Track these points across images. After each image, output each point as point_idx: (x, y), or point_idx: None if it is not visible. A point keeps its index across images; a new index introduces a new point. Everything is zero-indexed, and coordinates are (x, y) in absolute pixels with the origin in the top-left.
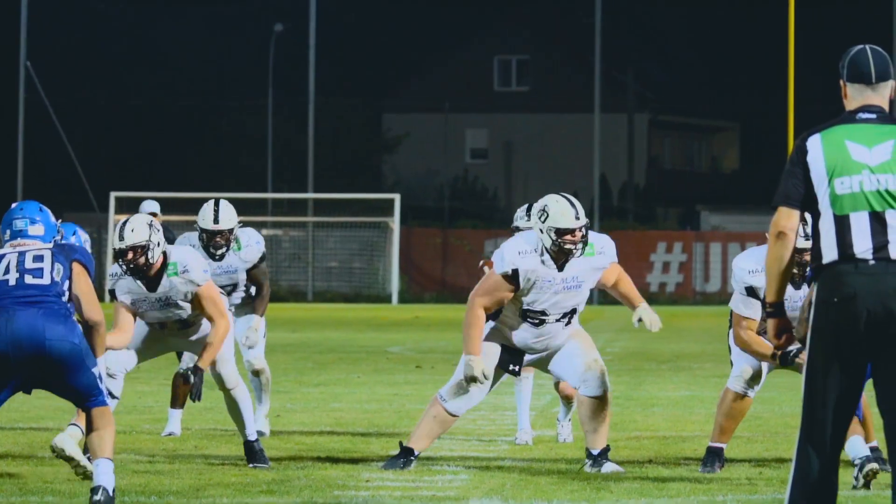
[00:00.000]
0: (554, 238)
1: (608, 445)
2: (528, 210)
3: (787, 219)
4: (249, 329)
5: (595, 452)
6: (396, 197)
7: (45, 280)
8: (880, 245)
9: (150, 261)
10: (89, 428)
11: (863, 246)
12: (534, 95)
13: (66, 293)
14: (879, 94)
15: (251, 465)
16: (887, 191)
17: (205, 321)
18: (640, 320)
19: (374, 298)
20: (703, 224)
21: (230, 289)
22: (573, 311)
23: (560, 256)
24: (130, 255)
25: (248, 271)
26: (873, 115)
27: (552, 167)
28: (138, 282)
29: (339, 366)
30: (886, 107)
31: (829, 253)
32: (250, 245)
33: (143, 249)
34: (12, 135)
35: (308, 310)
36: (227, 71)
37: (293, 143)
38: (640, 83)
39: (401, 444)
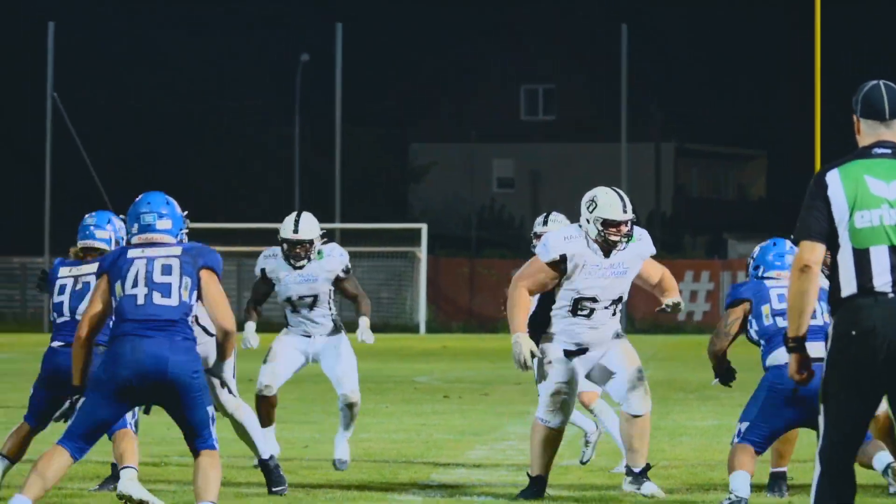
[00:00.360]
0: (600, 228)
1: (648, 464)
2: (546, 218)
3: (811, 252)
4: (361, 329)
5: (636, 471)
6: (423, 226)
7: (173, 301)
8: None
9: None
10: (196, 469)
11: (882, 279)
12: (560, 124)
13: (193, 306)
14: (893, 130)
15: (270, 491)
16: None
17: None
18: (669, 305)
19: (402, 328)
20: (730, 252)
21: (310, 300)
22: (619, 300)
23: (604, 247)
24: (299, 249)
25: (338, 286)
26: (888, 151)
27: (579, 196)
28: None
29: (367, 396)
30: None
31: (848, 286)
32: (332, 255)
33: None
34: (40, 163)
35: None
36: (255, 101)
37: (320, 173)
38: (666, 112)
39: (528, 474)
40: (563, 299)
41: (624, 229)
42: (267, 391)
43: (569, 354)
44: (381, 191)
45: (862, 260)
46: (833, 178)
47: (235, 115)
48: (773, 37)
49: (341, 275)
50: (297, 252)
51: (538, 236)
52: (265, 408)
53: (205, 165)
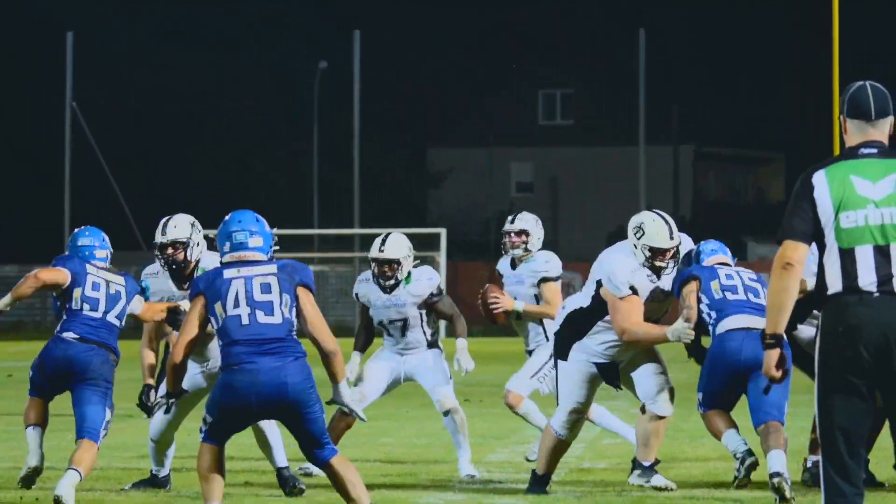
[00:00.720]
0: (647, 255)
1: (658, 459)
2: (515, 217)
3: (794, 251)
4: (459, 353)
5: (646, 465)
6: (442, 231)
7: (277, 318)
8: (884, 278)
9: (188, 258)
10: (338, 480)
11: (867, 279)
12: (578, 129)
13: (295, 323)
14: (879, 130)
15: (286, 493)
16: (892, 224)
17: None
18: None
19: None
20: (749, 254)
21: (401, 324)
22: (659, 318)
23: (651, 271)
24: (170, 251)
25: (431, 308)
26: (874, 150)
27: (598, 200)
28: (170, 281)
29: (388, 400)
30: (886, 142)
31: (835, 284)
32: (420, 280)
33: (184, 246)
34: (59, 175)
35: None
36: (273, 108)
37: (339, 179)
38: (684, 116)
39: (534, 471)
40: (603, 325)
41: (669, 255)
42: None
43: (598, 367)
44: (400, 196)
45: (847, 259)
46: (819, 179)
47: (254, 123)
48: (789, 40)
49: (433, 298)
50: (384, 271)
51: (507, 234)
52: (340, 428)
53: (224, 174)
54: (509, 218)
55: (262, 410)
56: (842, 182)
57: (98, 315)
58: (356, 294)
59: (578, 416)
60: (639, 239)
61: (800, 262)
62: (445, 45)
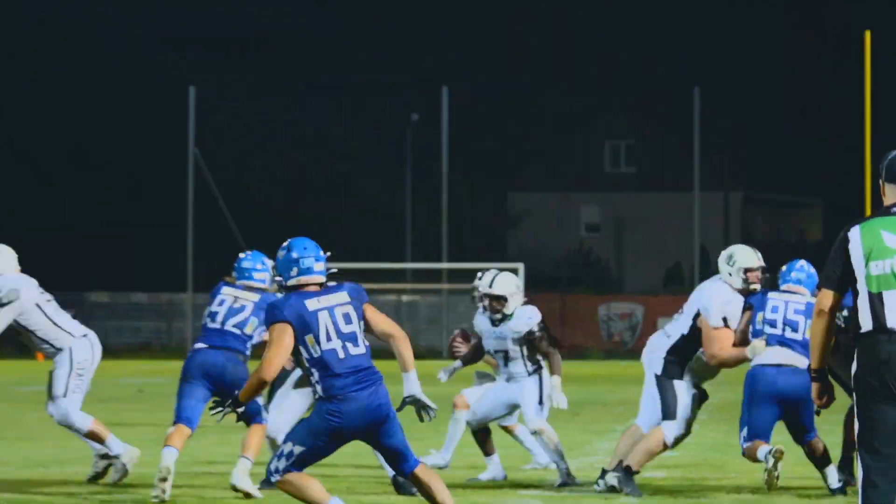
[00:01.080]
0: (743, 276)
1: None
2: (493, 280)
3: (826, 299)
4: (553, 390)
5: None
6: (520, 266)
7: (362, 349)
8: None
9: None
10: (425, 487)
11: (894, 319)
12: (640, 176)
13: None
14: None
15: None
16: None
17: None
18: None
19: None
20: None
21: (503, 355)
22: None
23: (744, 293)
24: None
25: (531, 344)
26: None
27: (658, 239)
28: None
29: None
30: None
31: (867, 324)
32: (520, 318)
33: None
34: (183, 211)
35: (442, 365)
36: (371, 155)
37: (429, 218)
38: (734, 165)
39: (627, 466)
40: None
41: (759, 274)
42: (471, 426)
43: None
44: (483, 234)
45: (876, 302)
46: (854, 233)
47: (356, 169)
48: (823, 102)
49: (531, 335)
50: (493, 306)
51: (484, 297)
52: (479, 439)
53: (328, 213)
54: (485, 278)
55: (362, 433)
56: (873, 235)
57: (217, 326)
58: (475, 324)
59: (688, 431)
60: (732, 266)
61: (832, 310)
62: (524, 101)
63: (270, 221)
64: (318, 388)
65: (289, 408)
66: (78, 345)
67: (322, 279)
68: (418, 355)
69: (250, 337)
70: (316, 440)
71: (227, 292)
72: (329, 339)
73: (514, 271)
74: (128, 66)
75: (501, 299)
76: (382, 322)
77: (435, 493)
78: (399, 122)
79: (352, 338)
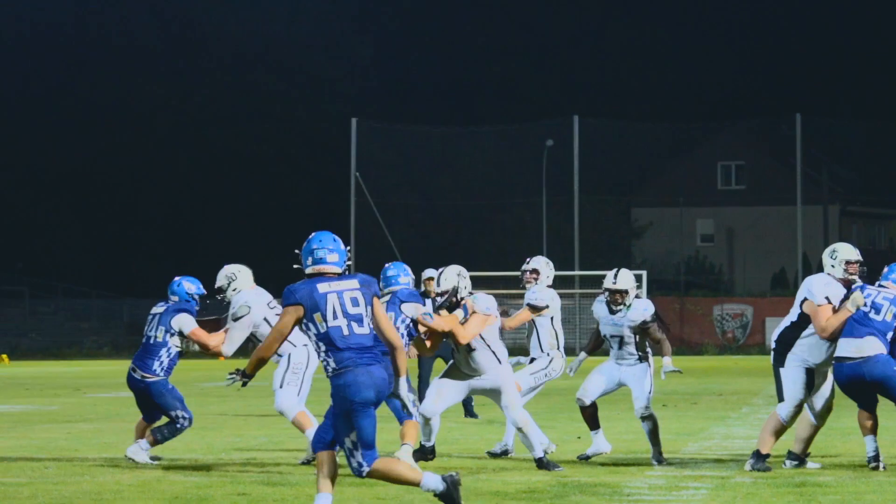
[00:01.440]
0: (844, 268)
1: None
2: (530, 260)
3: None
4: (665, 365)
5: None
6: (644, 273)
7: (366, 329)
8: None
9: (456, 300)
10: (388, 477)
11: None
12: (749, 192)
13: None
14: None
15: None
16: None
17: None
18: None
19: None
20: None
21: (618, 340)
22: None
23: (844, 285)
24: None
25: (645, 331)
26: None
27: (764, 248)
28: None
29: (602, 406)
30: None
31: None
32: (637, 308)
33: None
34: (346, 228)
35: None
36: (510, 176)
37: (562, 231)
38: (832, 180)
39: (757, 451)
40: (812, 328)
41: (858, 266)
42: (579, 403)
43: (806, 371)
44: (610, 244)
45: None
46: None
47: (498, 187)
48: None
49: (645, 324)
50: (615, 298)
51: (523, 272)
52: (584, 415)
53: (475, 225)
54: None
55: (374, 402)
56: None
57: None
58: (593, 309)
59: (799, 409)
60: (835, 259)
61: None
62: (645, 125)
63: (425, 234)
64: (328, 364)
65: (445, 394)
66: (297, 352)
67: (338, 269)
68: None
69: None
70: (353, 420)
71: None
72: (335, 317)
73: (639, 277)
74: (298, 102)
75: (623, 293)
76: (385, 324)
77: (398, 476)
78: (536, 146)
79: (357, 318)
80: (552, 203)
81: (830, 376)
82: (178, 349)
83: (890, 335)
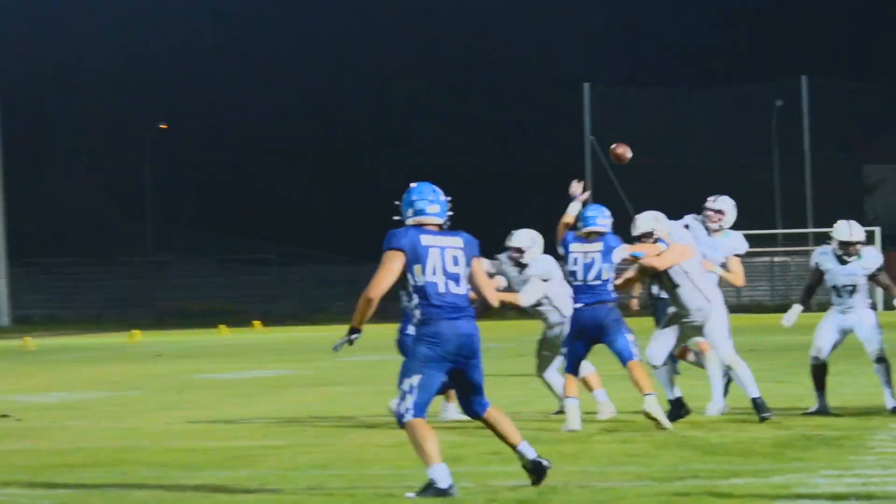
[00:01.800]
0: None
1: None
2: (716, 199)
3: None
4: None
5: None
6: (877, 229)
7: (462, 290)
8: None
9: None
10: (495, 423)
11: None
12: None
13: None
14: None
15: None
16: None
17: None
18: None
19: None
20: None
21: (851, 289)
22: None
23: None
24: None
25: (874, 279)
26: None
27: None
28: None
29: (753, 361)
30: None
31: None
32: (868, 256)
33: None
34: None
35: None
36: (740, 136)
37: (796, 189)
38: None
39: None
40: None
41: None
42: (814, 361)
43: None
44: (843, 202)
45: None
46: None
47: (727, 146)
48: None
49: (877, 272)
50: (849, 250)
51: (708, 210)
52: (815, 373)
53: (707, 188)
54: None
55: (455, 358)
56: None
57: (580, 283)
58: (816, 263)
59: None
60: None
61: None
62: (876, 83)
63: (657, 198)
64: (417, 312)
65: (664, 340)
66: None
67: (439, 220)
68: (781, 308)
69: (607, 281)
70: (423, 367)
71: (576, 249)
72: (434, 272)
73: (872, 233)
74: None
75: (858, 244)
76: (484, 284)
77: (506, 427)
78: (766, 107)
79: (455, 277)
80: (783, 162)
81: None
82: None
83: None
